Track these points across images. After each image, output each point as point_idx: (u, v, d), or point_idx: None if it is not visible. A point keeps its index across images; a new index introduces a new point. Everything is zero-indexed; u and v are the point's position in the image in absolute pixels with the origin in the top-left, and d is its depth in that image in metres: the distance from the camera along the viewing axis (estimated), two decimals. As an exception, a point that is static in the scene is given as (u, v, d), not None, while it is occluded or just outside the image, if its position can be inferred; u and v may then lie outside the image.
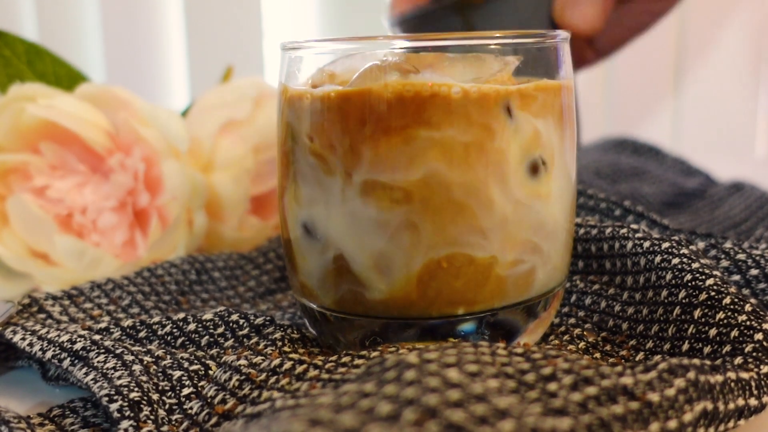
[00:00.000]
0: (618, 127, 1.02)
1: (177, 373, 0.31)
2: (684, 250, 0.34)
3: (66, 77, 0.50)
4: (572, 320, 0.36)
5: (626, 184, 0.61)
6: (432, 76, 0.30)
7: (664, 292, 0.33)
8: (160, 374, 0.31)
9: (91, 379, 0.30)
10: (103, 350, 0.32)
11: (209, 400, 0.30)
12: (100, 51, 0.85)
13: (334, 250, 0.31)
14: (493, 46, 0.31)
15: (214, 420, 0.29)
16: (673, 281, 0.33)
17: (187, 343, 0.34)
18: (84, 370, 0.31)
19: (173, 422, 0.29)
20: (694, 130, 1.03)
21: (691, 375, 0.25)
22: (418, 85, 0.29)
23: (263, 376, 0.29)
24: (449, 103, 0.29)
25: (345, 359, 0.29)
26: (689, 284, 0.32)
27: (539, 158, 0.31)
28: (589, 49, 0.63)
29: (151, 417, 0.28)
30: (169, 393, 0.30)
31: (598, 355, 0.33)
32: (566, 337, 0.35)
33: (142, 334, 0.35)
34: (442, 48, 0.31)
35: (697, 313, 0.31)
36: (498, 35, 0.31)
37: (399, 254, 0.30)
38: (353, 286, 0.31)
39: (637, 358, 0.32)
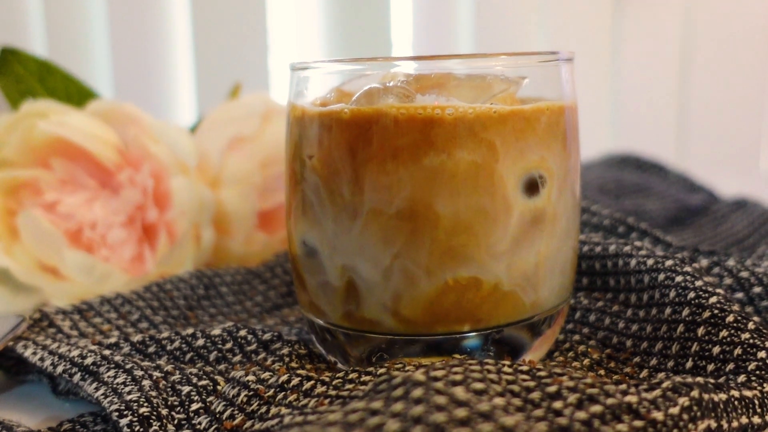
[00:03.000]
0: (622, 142, 1.02)
1: (186, 389, 0.31)
2: (687, 268, 0.34)
3: (77, 94, 0.51)
4: (577, 337, 0.37)
5: (630, 200, 0.61)
6: (436, 98, 0.30)
7: (668, 310, 0.33)
8: (169, 389, 0.31)
9: (102, 394, 0.31)
10: (113, 365, 0.32)
11: (218, 416, 0.30)
12: (109, 67, 0.85)
13: (339, 269, 0.32)
14: (498, 68, 0.32)
15: (222, 435, 0.29)
16: (677, 299, 0.33)
17: (196, 358, 0.35)
18: (94, 384, 0.31)
19: (182, 437, 0.29)
20: (698, 145, 1.04)
21: (695, 393, 0.25)
22: (412, 108, 0.30)
23: (271, 392, 0.30)
24: (444, 125, 0.30)
25: (352, 376, 0.30)
26: (693, 302, 0.33)
27: (539, 177, 0.31)
28: None
29: (161, 432, 0.29)
30: (178, 408, 0.30)
31: (602, 372, 0.33)
32: (571, 353, 0.35)
33: (151, 349, 0.35)
34: (448, 69, 0.32)
35: (700, 331, 0.32)
36: (503, 56, 0.32)
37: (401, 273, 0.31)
38: (359, 304, 0.32)
39: (641, 375, 0.33)
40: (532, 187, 0.31)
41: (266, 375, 0.31)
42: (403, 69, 0.32)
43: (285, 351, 0.34)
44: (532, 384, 0.25)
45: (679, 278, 0.34)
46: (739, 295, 0.37)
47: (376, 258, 0.31)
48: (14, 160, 0.47)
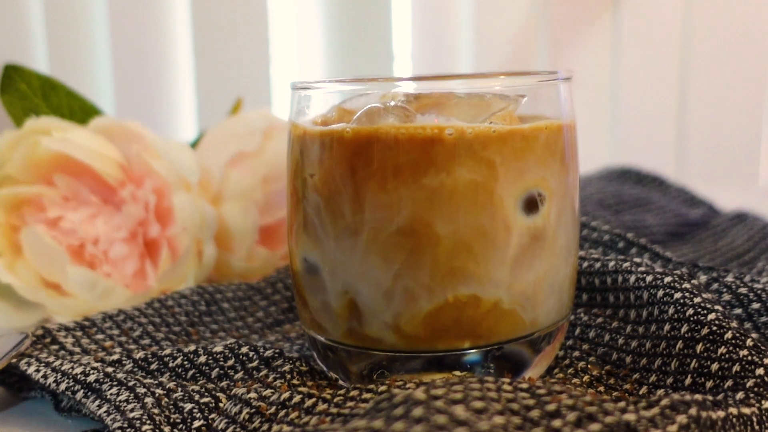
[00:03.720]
0: (621, 158, 1.03)
1: (188, 406, 0.31)
2: (686, 285, 0.35)
3: (79, 110, 0.51)
4: (576, 353, 0.37)
5: (630, 214, 0.62)
6: (436, 118, 0.31)
7: (667, 326, 0.34)
8: (171, 407, 0.31)
9: (104, 412, 0.31)
10: (116, 383, 0.32)
11: (220, 433, 0.30)
12: (111, 82, 0.86)
13: (340, 287, 0.32)
14: (497, 87, 0.32)
15: (224, 453, 0.29)
16: (676, 315, 0.33)
17: (198, 375, 0.35)
18: (97, 402, 0.32)
19: (184, 455, 0.29)
20: (697, 160, 1.04)
21: (693, 411, 0.25)
22: (412, 128, 0.30)
23: (273, 409, 0.30)
24: (444, 144, 0.30)
25: (353, 393, 0.30)
26: (691, 319, 0.33)
27: (538, 195, 0.32)
28: None
29: (163, 450, 0.29)
30: (181, 426, 0.31)
31: (602, 388, 0.33)
32: (570, 370, 0.35)
33: (153, 366, 0.35)
34: (447, 89, 0.32)
35: (699, 348, 0.32)
36: (502, 76, 0.32)
37: (404, 294, 0.31)
38: (360, 321, 0.32)
39: (640, 392, 0.33)
40: (531, 205, 0.31)
41: (268, 392, 0.31)
42: (404, 89, 0.32)
43: (286, 368, 0.34)
44: (531, 402, 0.25)
45: (677, 295, 0.34)
46: (738, 311, 0.37)
47: (378, 277, 0.31)
48: (18, 177, 0.47)
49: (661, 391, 0.32)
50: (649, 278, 0.36)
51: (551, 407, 0.25)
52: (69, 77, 0.70)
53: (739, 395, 0.29)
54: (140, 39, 0.87)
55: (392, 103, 0.31)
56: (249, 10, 0.91)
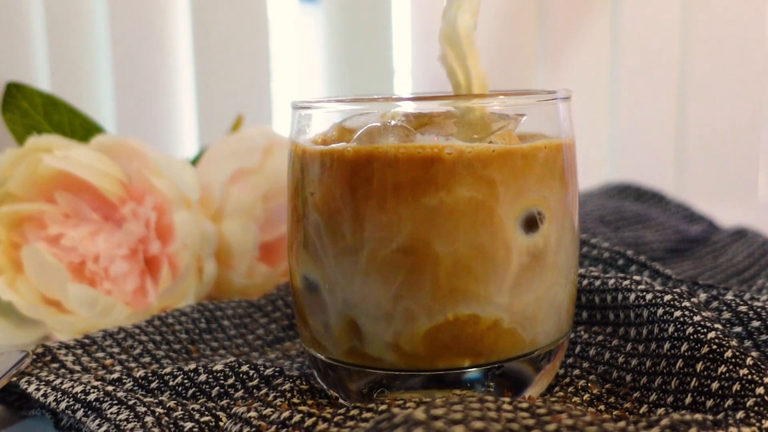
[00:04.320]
0: (621, 172, 1.03)
1: (188, 425, 0.31)
2: (686, 303, 0.35)
3: (81, 127, 0.52)
4: (577, 371, 0.37)
5: (630, 231, 0.62)
6: (435, 137, 0.31)
7: (667, 345, 0.34)
8: (171, 426, 0.31)
9: (105, 431, 0.31)
10: (116, 401, 0.32)
11: (220, 452, 0.30)
12: (111, 99, 0.86)
13: (340, 305, 0.32)
14: (496, 106, 0.32)
15: (224, 472, 0.29)
16: (676, 334, 0.34)
17: (198, 394, 0.35)
18: (97, 421, 0.32)
19: (184, 474, 0.29)
20: (696, 176, 1.04)
21: (693, 431, 0.25)
22: (412, 147, 0.30)
23: (273, 428, 0.30)
24: (443, 163, 0.30)
25: (353, 412, 0.30)
26: (691, 337, 0.33)
27: (538, 214, 0.32)
28: None
29: (163, 469, 0.29)
30: (181, 445, 0.31)
31: (602, 407, 0.33)
32: (571, 388, 0.35)
33: (153, 385, 0.35)
34: (447, 108, 0.32)
35: (699, 366, 0.32)
36: (501, 95, 0.32)
37: (403, 313, 0.31)
38: (360, 340, 0.32)
39: (641, 411, 0.33)
40: (531, 224, 0.32)
41: (268, 411, 0.31)
42: (404, 108, 0.33)
43: (287, 386, 0.34)
44: (531, 422, 0.25)
45: (677, 313, 0.34)
46: (738, 329, 0.37)
47: (377, 296, 0.31)
48: (19, 194, 0.47)
49: (661, 410, 0.32)
50: (648, 296, 0.36)
51: (551, 427, 0.25)
52: (70, 95, 0.70)
53: (740, 414, 0.29)
54: (141, 56, 0.88)
55: (392, 123, 0.32)
56: (250, 26, 0.92)
